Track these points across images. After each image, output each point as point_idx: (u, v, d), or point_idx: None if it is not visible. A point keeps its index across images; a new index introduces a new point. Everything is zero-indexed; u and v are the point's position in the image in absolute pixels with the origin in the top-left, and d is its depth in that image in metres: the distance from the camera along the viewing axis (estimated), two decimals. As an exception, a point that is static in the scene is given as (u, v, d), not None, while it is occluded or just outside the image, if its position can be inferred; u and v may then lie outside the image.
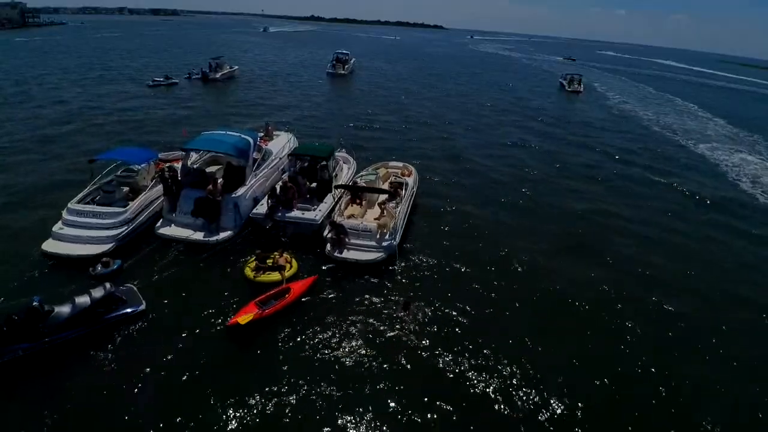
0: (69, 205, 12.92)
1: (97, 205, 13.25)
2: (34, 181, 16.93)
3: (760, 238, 16.73)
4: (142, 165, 14.59)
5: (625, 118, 39.73)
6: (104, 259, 11.66)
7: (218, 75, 42.87)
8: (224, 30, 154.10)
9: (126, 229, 12.67)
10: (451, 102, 41.18)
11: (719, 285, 13.34)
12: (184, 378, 8.63)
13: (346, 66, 55.06)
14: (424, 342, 9.96)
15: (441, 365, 9.34)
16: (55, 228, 12.50)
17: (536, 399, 8.67)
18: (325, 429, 7.74)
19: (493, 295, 11.86)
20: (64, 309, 9.25)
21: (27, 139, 21.92)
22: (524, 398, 8.67)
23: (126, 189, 14.34)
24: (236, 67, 47.45)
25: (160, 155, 15.59)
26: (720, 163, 27.02)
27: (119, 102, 31.01)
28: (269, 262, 11.80)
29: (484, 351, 9.76)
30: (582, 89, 53.82)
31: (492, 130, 31.17)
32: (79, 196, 13.33)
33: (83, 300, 9.45)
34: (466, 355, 9.64)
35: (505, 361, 9.51)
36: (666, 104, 50.66)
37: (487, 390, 8.80)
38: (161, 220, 13.52)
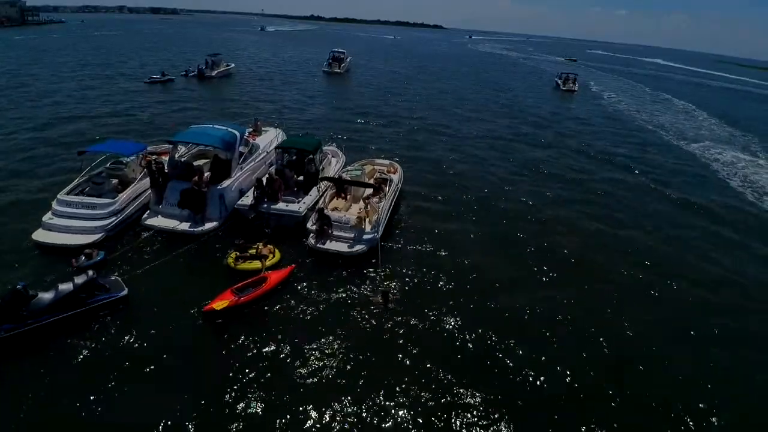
0: (59, 196, 13.22)
1: (86, 196, 13.55)
2: (24, 174, 17.24)
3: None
4: (131, 157, 14.89)
5: (617, 117, 40.07)
6: (87, 250, 11.83)
7: (214, 73, 43.16)
8: (224, 29, 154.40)
9: (115, 220, 12.98)
10: (447, 100, 41.45)
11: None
12: (161, 360, 8.93)
13: (342, 65, 55.34)
14: (400, 332, 10.24)
15: (415, 355, 9.58)
16: (45, 218, 12.80)
17: (512, 385, 9.00)
18: (294, 417, 7.95)
19: (468, 289, 12.17)
20: (47, 295, 9.57)
21: (20, 131, 22.27)
22: (499, 384, 9.00)
23: (115, 181, 14.63)
24: (232, 64, 47.76)
25: (149, 148, 15.86)
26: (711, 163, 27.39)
27: (115, 98, 31.30)
28: (252, 251, 12.11)
29: (458, 343, 10.11)
30: (577, 88, 54.17)
31: (484, 126, 31.64)
32: (69, 187, 13.62)
33: (66, 286, 9.75)
34: (441, 346, 9.93)
35: (483, 351, 9.84)
36: (659, 103, 51.01)
37: (461, 379, 9.07)
38: (148, 212, 13.82)
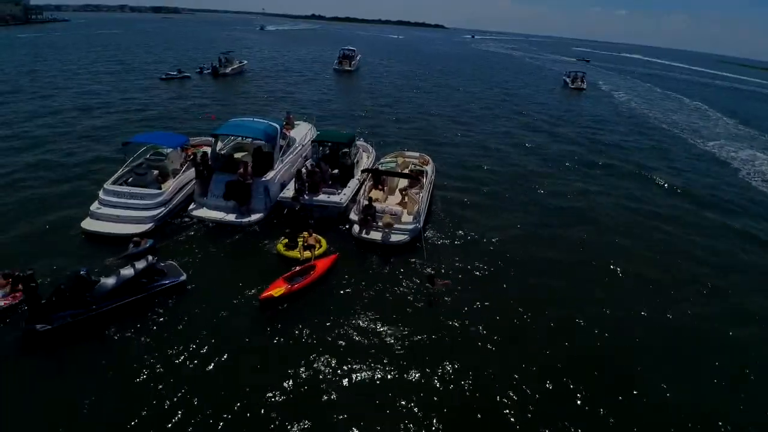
0: (105, 186, 13.43)
1: (129, 186, 13.74)
2: (69, 165, 17.62)
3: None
4: (173, 149, 15.11)
5: (630, 114, 40.34)
6: (135, 238, 11.91)
7: (228, 70, 43.35)
8: (225, 28, 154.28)
9: (163, 210, 13.19)
10: (459, 97, 41.76)
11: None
12: (222, 344, 9.07)
13: (353, 62, 55.54)
14: (447, 315, 10.46)
15: (462, 339, 9.76)
16: (93, 207, 13.01)
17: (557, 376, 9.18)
18: (346, 396, 8.11)
19: (511, 274, 12.43)
20: (109, 280, 9.75)
21: (49, 126, 22.49)
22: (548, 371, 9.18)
23: (156, 172, 14.80)
24: (245, 62, 47.98)
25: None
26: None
27: (135, 94, 31.65)
28: (300, 241, 12.32)
29: (513, 325, 10.35)
30: (585, 86, 54.43)
31: (499, 122, 32.00)
32: (114, 177, 13.83)
33: (127, 272, 9.95)
34: (490, 330, 10.11)
35: (531, 336, 10.06)
36: (669, 100, 51.28)
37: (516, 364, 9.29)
38: (193, 203, 14.02)
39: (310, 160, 16.02)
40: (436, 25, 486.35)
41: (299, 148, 16.80)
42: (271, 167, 14.52)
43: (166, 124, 24.06)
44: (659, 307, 11.40)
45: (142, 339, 9.06)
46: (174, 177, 14.82)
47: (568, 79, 57.00)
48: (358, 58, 57.80)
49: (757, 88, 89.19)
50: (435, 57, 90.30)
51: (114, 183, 13.63)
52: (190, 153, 14.95)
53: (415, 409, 7.91)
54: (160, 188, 13.85)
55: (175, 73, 38.18)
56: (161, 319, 9.66)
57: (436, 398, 8.23)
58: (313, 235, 12.65)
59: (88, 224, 12.65)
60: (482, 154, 23.55)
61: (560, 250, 13.88)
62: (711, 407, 8.60)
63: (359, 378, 8.54)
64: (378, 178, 15.38)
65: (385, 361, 8.96)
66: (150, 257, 10.42)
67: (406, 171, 16.84)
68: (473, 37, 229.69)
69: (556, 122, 33.20)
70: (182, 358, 8.67)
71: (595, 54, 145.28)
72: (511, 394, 8.40)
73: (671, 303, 11.65)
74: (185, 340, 9.07)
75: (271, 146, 14.81)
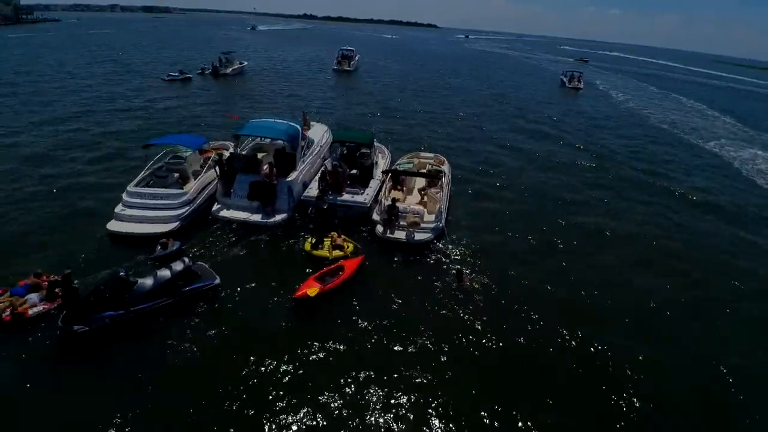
0: (128, 188, 13.45)
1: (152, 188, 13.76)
2: (84, 167, 17.57)
3: None
4: (189, 152, 15.14)
5: (625, 111, 40.84)
6: (162, 240, 11.97)
7: (229, 70, 43.21)
8: (219, 27, 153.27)
9: (188, 210, 13.24)
10: (460, 96, 42.00)
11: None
12: (259, 345, 9.15)
13: (352, 62, 55.57)
14: (475, 312, 10.64)
15: (493, 337, 9.91)
16: (117, 209, 13.04)
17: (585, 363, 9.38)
18: (381, 394, 8.25)
19: (538, 271, 12.63)
20: (147, 281, 9.79)
21: (54, 126, 22.34)
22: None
23: (177, 175, 14.81)
24: (245, 62, 47.81)
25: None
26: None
27: (140, 94, 31.58)
28: (328, 240, 12.41)
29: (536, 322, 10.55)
30: (582, 86, 54.95)
31: (503, 120, 32.50)
32: (137, 179, 13.85)
33: (164, 273, 9.99)
34: (521, 328, 10.30)
35: (559, 329, 10.26)
36: (666, 99, 51.93)
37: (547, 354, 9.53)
38: (216, 204, 14.04)
39: (329, 159, 16.11)
40: (429, 25, 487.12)
41: (318, 149, 16.88)
42: (293, 167, 14.59)
43: (177, 127, 23.97)
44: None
45: (182, 345, 8.99)
46: (192, 179, 14.89)
47: (565, 79, 57.51)
48: (357, 58, 57.83)
49: (755, 87, 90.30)
50: (431, 57, 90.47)
51: (136, 185, 13.65)
52: (209, 155, 14.93)
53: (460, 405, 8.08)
54: (182, 189, 13.90)
55: (176, 74, 38.02)
56: (197, 321, 9.71)
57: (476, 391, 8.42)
58: (342, 236, 12.75)
59: (114, 226, 12.67)
60: (492, 152, 23.83)
61: (571, 248, 14.14)
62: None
63: (408, 376, 8.66)
64: (397, 178, 15.50)
65: (427, 360, 9.10)
66: (186, 259, 10.48)
67: (425, 170, 17.02)
68: (467, 36, 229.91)
69: (557, 121, 33.58)
70: (222, 363, 8.65)
71: (583, 53, 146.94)
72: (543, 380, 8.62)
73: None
74: (224, 346, 9.09)
75: (293, 147, 14.87)
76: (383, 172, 15.43)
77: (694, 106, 49.97)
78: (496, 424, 7.76)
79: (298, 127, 15.28)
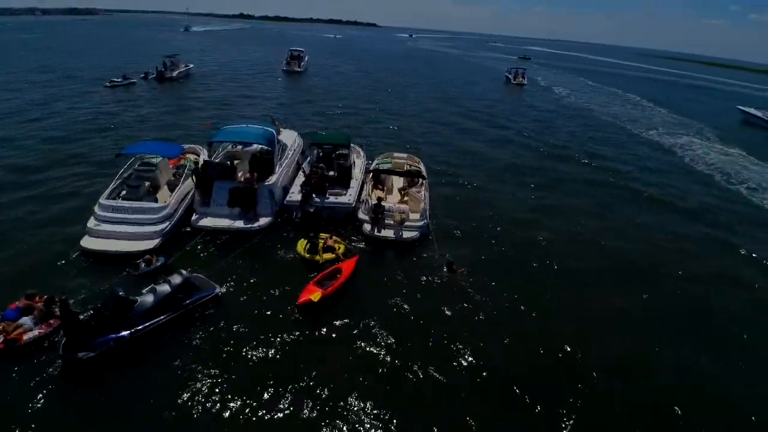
0: (100, 200, 12.66)
1: (122, 199, 13.05)
2: (42, 180, 16.35)
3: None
4: (162, 158, 14.52)
5: (564, 104, 43.37)
6: (146, 256, 11.45)
7: (174, 73, 41.27)
8: (150, 29, 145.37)
9: (169, 224, 12.62)
10: (410, 95, 42.89)
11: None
12: (266, 352, 9.07)
13: (301, 63, 54.91)
14: (471, 300, 11.12)
15: (489, 324, 10.40)
16: (90, 224, 12.22)
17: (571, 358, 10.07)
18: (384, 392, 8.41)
19: (516, 256, 13.35)
20: (148, 298, 9.36)
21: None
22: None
23: (147, 183, 14.14)
24: (192, 65, 45.90)
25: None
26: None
27: (82, 103, 29.36)
28: (320, 243, 12.37)
29: (532, 306, 11.18)
30: (526, 82, 57.63)
31: (452, 112, 33.52)
32: (107, 191, 13.08)
33: (163, 288, 9.59)
34: (515, 313, 10.91)
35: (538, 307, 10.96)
36: (590, 86, 55.58)
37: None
38: (195, 214, 13.54)
39: (306, 163, 15.98)
40: (369, 24, 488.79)
41: (291, 152, 16.68)
42: (272, 171, 14.36)
43: (128, 133, 22.72)
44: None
45: (187, 365, 8.61)
46: (164, 186, 14.33)
47: (509, 76, 60.01)
48: (306, 58, 57.16)
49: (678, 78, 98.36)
50: (378, 56, 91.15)
51: (108, 197, 12.89)
52: (180, 161, 14.36)
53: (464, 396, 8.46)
54: (155, 200, 13.30)
55: (119, 79, 35.73)
56: (202, 334, 9.41)
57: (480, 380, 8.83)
58: (333, 237, 12.75)
59: (88, 243, 11.85)
60: (457, 152, 24.47)
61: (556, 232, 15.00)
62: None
63: (420, 374, 8.84)
64: (378, 178, 15.66)
65: (429, 359, 9.26)
66: (184, 271, 10.12)
67: (404, 169, 17.30)
68: (411, 36, 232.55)
69: (504, 115, 35.11)
70: (232, 376, 8.42)
71: (504, 48, 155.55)
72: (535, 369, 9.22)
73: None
74: (233, 358, 8.89)
75: (270, 151, 14.64)
76: (367, 172, 15.54)
77: (630, 98, 53.88)
78: (501, 421, 8.06)
79: (273, 131, 15.06)
